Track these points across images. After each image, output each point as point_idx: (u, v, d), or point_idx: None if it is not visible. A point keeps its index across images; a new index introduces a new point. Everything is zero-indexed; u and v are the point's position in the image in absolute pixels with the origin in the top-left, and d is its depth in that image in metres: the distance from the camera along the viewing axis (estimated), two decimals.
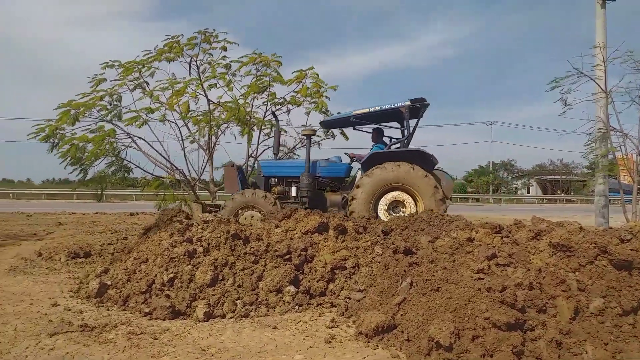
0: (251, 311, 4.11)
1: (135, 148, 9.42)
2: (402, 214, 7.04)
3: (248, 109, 10.04)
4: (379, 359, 3.12)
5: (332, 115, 9.50)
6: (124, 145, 9.30)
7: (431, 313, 3.28)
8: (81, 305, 4.36)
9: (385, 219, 6.60)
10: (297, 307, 4.26)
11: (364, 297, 4.16)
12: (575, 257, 3.57)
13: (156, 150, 9.56)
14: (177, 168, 9.81)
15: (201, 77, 9.60)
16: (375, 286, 4.18)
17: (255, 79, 9.91)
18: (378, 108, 7.66)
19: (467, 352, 2.89)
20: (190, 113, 9.66)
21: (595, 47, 9.33)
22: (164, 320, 3.92)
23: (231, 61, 9.80)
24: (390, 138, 8.34)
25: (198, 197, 9.53)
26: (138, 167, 9.56)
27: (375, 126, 8.44)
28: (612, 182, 10.59)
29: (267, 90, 10.14)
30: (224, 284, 4.31)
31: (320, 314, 4.16)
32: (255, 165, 9.73)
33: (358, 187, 7.13)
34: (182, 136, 9.87)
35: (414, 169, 7.09)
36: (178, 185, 10.23)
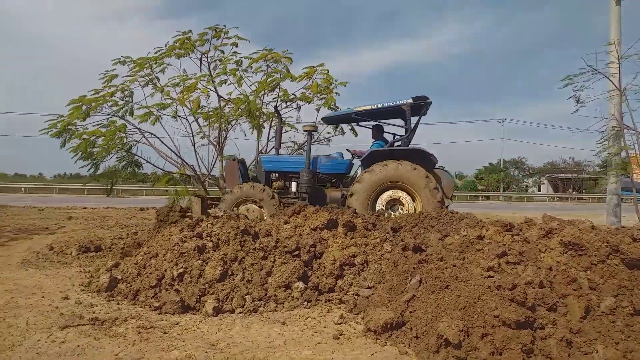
0: (260, 306, 4.12)
1: (146, 144, 9.49)
2: (399, 212, 7.05)
3: (258, 105, 10.06)
4: (388, 355, 3.11)
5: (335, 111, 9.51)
6: (135, 141, 9.38)
7: (440, 310, 3.27)
8: (92, 299, 4.40)
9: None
10: (305, 303, 4.27)
11: (373, 293, 4.16)
12: (586, 256, 3.53)
13: (166, 146, 9.64)
14: (187, 164, 9.87)
15: (212, 73, 9.63)
16: (384, 283, 4.17)
17: (266, 76, 9.93)
18: (380, 105, 7.62)
19: (476, 349, 2.88)
20: (201, 109, 9.71)
21: (610, 44, 9.21)
22: (173, 314, 3.94)
23: (242, 57, 9.83)
24: (394, 135, 8.30)
25: (208, 192, 9.58)
26: (149, 162, 9.64)
27: (375, 123, 8.39)
28: (625, 180, 10.49)
29: (278, 87, 10.16)
30: (233, 279, 4.33)
31: (328, 310, 4.16)
32: None
33: (355, 185, 7.13)
34: (192, 132, 9.93)
35: (415, 169, 7.05)
36: (188, 181, 10.30)
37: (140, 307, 4.14)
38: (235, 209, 7.26)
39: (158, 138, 9.61)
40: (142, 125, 9.37)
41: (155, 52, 9.39)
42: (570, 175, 57.93)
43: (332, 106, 10.41)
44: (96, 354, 3.02)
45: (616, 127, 9.04)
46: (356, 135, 10.55)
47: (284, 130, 11.10)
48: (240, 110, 10.35)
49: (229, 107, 10.34)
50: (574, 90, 9.01)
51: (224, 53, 9.66)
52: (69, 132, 8.76)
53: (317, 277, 4.56)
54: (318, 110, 10.74)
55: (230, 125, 10.34)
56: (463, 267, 3.68)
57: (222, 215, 5.23)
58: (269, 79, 9.94)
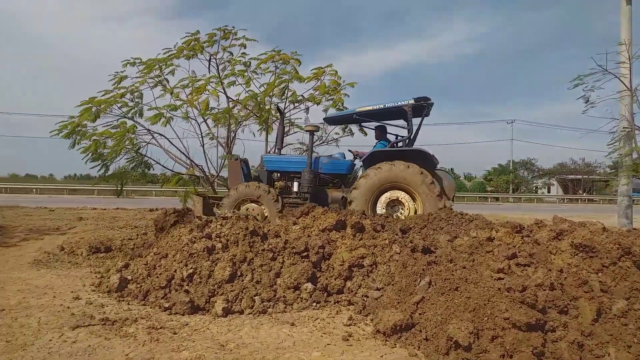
0: (269, 307, 4.13)
1: (155, 145, 9.54)
2: (400, 213, 7.04)
3: (267, 106, 10.09)
4: (397, 357, 3.10)
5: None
6: (144, 142, 9.42)
7: (450, 312, 3.26)
8: (102, 299, 4.43)
9: None
10: (314, 304, 4.27)
11: (382, 295, 4.15)
12: (598, 258, 3.51)
13: (176, 147, 9.67)
14: (196, 164, 9.91)
15: (220, 74, 9.66)
16: (393, 285, 4.16)
17: (274, 77, 9.95)
18: (381, 106, 7.62)
19: (486, 352, 2.86)
20: (210, 110, 9.74)
21: (621, 44, 9.13)
22: (183, 315, 3.96)
23: (250, 59, 9.85)
24: (396, 136, 8.28)
25: (216, 192, 9.61)
26: (158, 163, 9.68)
27: (378, 124, 8.39)
28: (637, 182, 10.39)
29: (286, 89, 10.17)
30: (242, 280, 4.34)
31: (337, 311, 4.16)
32: None
33: (353, 192, 7.14)
34: (201, 133, 9.97)
35: (409, 167, 7.04)
36: (197, 182, 10.34)
37: (150, 307, 4.17)
38: (236, 209, 7.29)
39: (167, 139, 9.66)
40: (151, 126, 9.43)
41: (164, 53, 9.44)
42: (580, 176, 57.49)
43: (340, 107, 10.41)
44: (107, 354, 3.04)
45: (627, 128, 8.97)
46: (365, 134, 10.52)
47: (292, 131, 11.12)
48: (248, 110, 10.38)
49: (237, 109, 10.38)
50: (584, 91, 8.96)
51: (232, 54, 9.69)
52: (79, 133, 8.83)
53: (326, 279, 4.56)
54: (326, 111, 10.75)
55: (239, 126, 10.37)
56: (473, 269, 3.67)
57: (231, 216, 5.24)
58: (277, 80, 9.96)
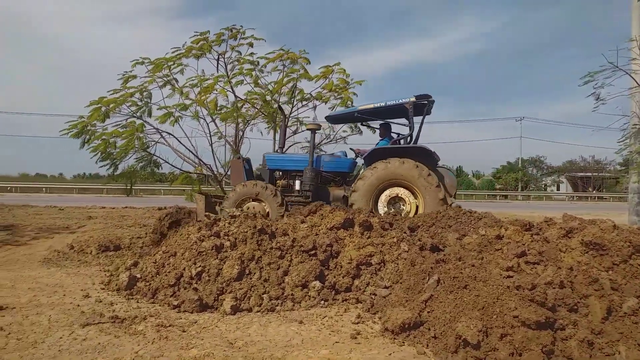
0: (277, 305, 4.14)
1: (164, 144, 9.57)
2: (402, 210, 7.04)
3: (275, 105, 10.09)
4: (405, 355, 3.10)
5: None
6: (153, 141, 9.46)
7: (459, 310, 3.24)
8: (112, 297, 4.46)
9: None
10: (322, 302, 4.27)
11: (390, 293, 4.14)
12: (608, 256, 3.48)
13: (184, 146, 9.70)
14: (204, 163, 9.93)
15: (229, 73, 9.67)
16: (401, 283, 4.15)
17: (282, 75, 9.95)
18: (382, 104, 7.61)
19: (496, 350, 2.85)
20: (219, 109, 9.75)
21: (631, 40, 9.04)
22: (192, 313, 3.98)
23: (258, 57, 9.85)
24: (398, 134, 8.27)
25: (225, 191, 9.63)
26: (167, 162, 9.71)
27: (382, 122, 8.38)
28: None
29: (295, 87, 10.17)
30: (251, 278, 4.35)
31: (345, 309, 4.15)
32: None
33: (353, 195, 7.15)
34: (210, 132, 9.99)
35: (404, 162, 7.03)
36: (206, 181, 10.36)
37: (159, 305, 4.19)
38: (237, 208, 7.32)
39: (176, 138, 9.69)
40: (159, 125, 9.46)
41: (173, 52, 9.47)
42: (590, 173, 57.00)
43: (349, 105, 10.39)
44: (116, 351, 3.06)
45: (638, 124, 8.89)
46: (374, 132, 10.49)
47: (300, 130, 11.13)
48: (256, 109, 10.39)
49: (245, 108, 10.39)
50: (594, 88, 8.88)
51: (240, 54, 9.71)
52: (88, 132, 8.88)
53: (334, 277, 4.55)
54: (332, 109, 10.73)
55: (247, 124, 10.39)
56: (482, 267, 3.65)
57: (239, 215, 5.26)
58: (285, 79, 9.96)
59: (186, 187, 10.27)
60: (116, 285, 4.71)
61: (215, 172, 10.07)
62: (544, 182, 61.71)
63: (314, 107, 10.80)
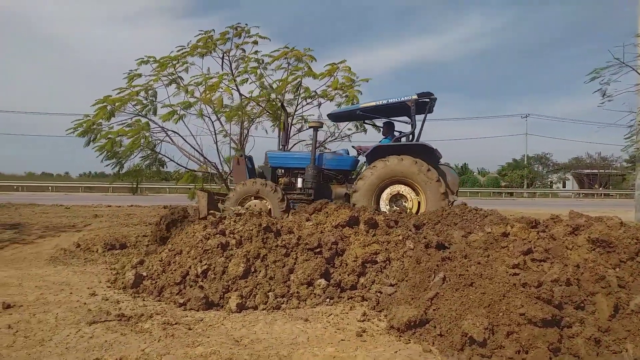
0: (283, 303, 4.15)
1: (169, 142, 9.60)
2: (404, 207, 7.04)
3: (278, 104, 10.09)
4: (411, 353, 3.09)
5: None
6: (159, 140, 9.49)
7: (465, 308, 3.24)
8: (118, 295, 4.48)
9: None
10: (328, 300, 4.27)
11: (396, 291, 4.14)
12: (615, 253, 3.47)
13: (189, 144, 9.73)
14: (209, 161, 9.96)
15: (234, 72, 9.69)
16: (407, 280, 4.15)
17: (287, 73, 9.95)
18: (385, 102, 7.60)
19: (502, 348, 2.84)
20: (224, 107, 9.78)
21: (637, 36, 8.99)
22: (197, 310, 3.99)
23: (262, 55, 9.86)
24: (400, 132, 8.26)
25: (230, 189, 9.65)
26: (172, 160, 9.74)
27: (386, 120, 8.37)
28: None
29: (300, 85, 10.17)
30: (256, 276, 4.36)
31: (351, 307, 4.15)
32: None
33: (354, 196, 7.15)
34: (215, 130, 10.02)
35: (403, 159, 7.03)
36: (211, 179, 10.39)
37: (165, 303, 4.20)
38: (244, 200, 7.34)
39: (181, 136, 9.73)
40: (165, 124, 9.49)
41: (178, 51, 9.49)
42: (596, 170, 56.70)
43: (354, 103, 10.38)
44: (123, 349, 3.07)
45: None
46: (379, 131, 10.49)
47: (304, 127, 11.12)
48: (261, 107, 10.40)
49: (250, 106, 10.41)
50: (601, 84, 8.84)
51: (245, 52, 9.72)
52: (94, 131, 8.92)
53: (339, 274, 4.55)
54: (338, 106, 10.72)
55: (252, 122, 10.40)
56: (488, 265, 3.64)
57: (244, 213, 5.26)
58: (290, 77, 9.96)
59: (191, 185, 10.29)
60: (122, 283, 4.73)
61: (220, 170, 10.09)
62: (549, 179, 61.45)
63: (319, 105, 10.80)
